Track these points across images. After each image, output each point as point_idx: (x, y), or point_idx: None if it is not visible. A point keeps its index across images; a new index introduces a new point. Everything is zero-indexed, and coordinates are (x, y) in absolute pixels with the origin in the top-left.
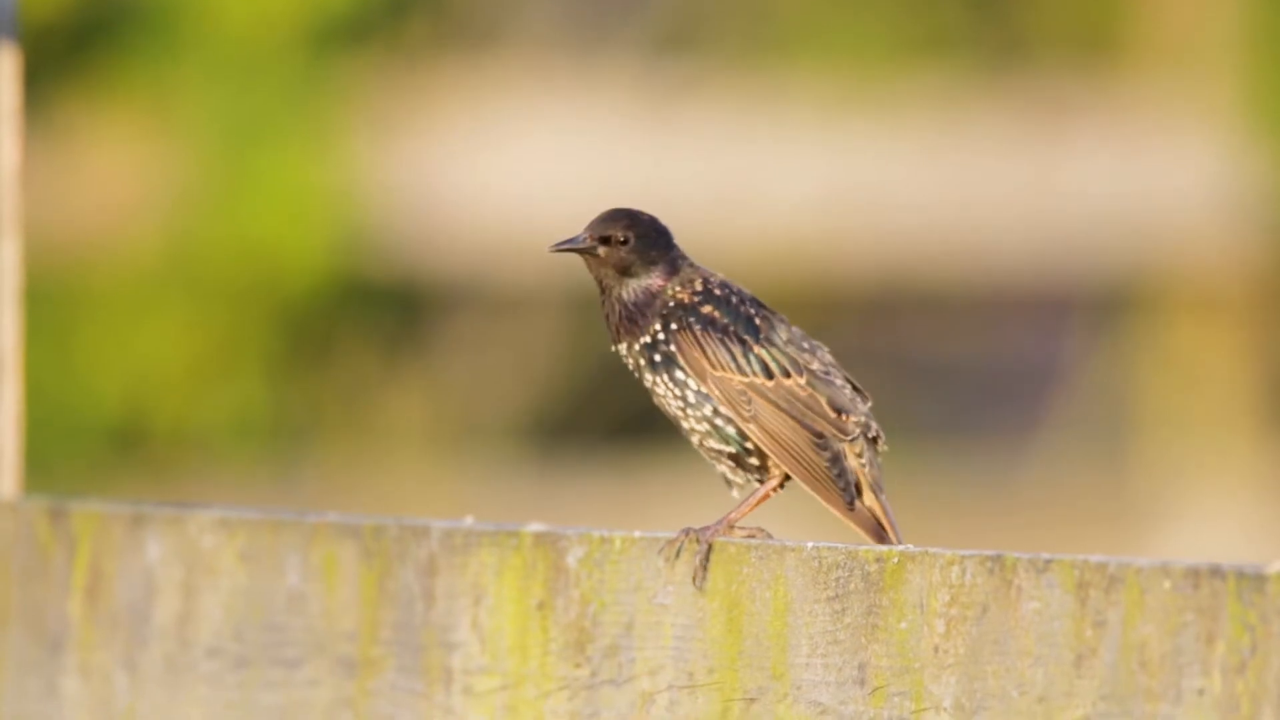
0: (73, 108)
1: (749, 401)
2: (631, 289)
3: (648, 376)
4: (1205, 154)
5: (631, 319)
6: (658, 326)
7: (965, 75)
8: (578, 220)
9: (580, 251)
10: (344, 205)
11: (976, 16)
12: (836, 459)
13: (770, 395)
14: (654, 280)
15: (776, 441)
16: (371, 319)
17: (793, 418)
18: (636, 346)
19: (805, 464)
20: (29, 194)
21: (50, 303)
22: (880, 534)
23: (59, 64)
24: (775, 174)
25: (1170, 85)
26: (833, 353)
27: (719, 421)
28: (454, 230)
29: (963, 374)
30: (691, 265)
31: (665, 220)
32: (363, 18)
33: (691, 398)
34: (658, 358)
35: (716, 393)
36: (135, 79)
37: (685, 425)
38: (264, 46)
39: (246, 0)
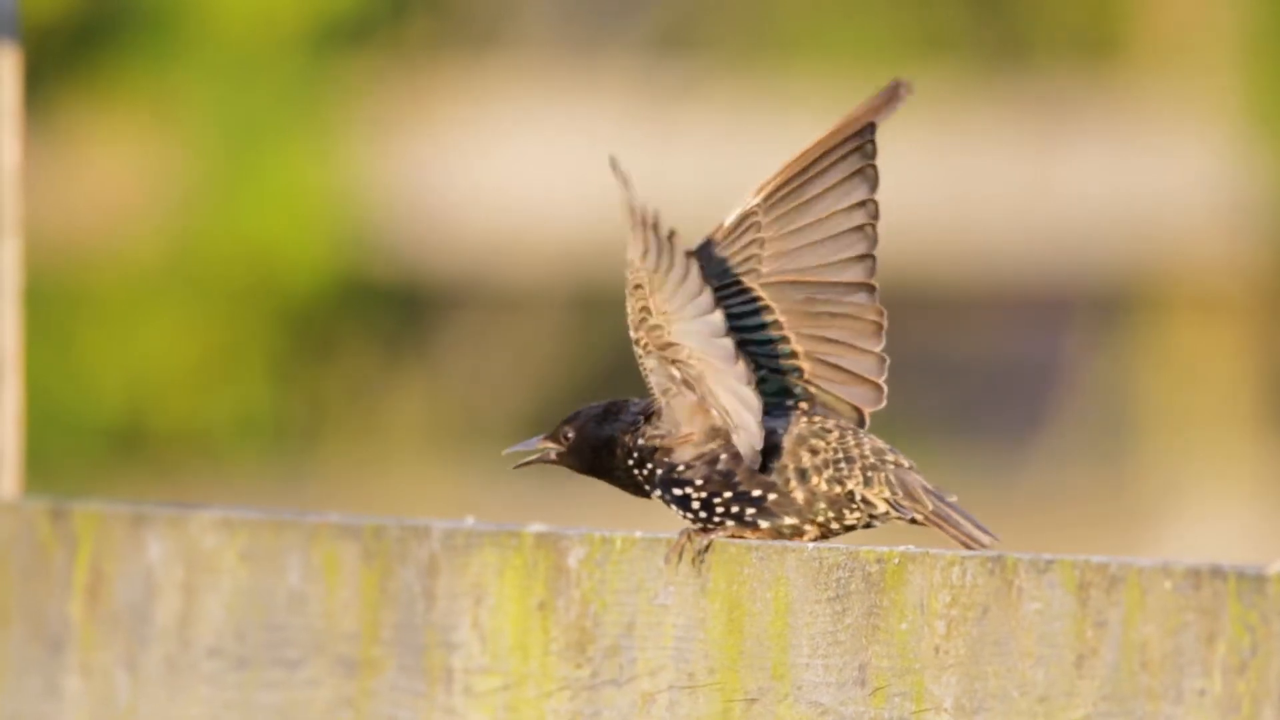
0: (74, 108)
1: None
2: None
3: (673, 507)
4: (1205, 154)
5: (641, 486)
6: (637, 467)
7: (965, 75)
8: (578, 220)
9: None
10: (345, 205)
11: (976, 16)
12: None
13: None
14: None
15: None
16: (373, 319)
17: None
18: (657, 493)
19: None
20: (30, 194)
21: (52, 302)
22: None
23: (60, 64)
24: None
25: (1170, 85)
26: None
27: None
28: (455, 230)
29: (962, 374)
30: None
31: (665, 220)
32: (363, 18)
33: (696, 504)
34: (665, 488)
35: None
36: (137, 79)
37: (728, 526)
38: (265, 47)
39: (247, 1)
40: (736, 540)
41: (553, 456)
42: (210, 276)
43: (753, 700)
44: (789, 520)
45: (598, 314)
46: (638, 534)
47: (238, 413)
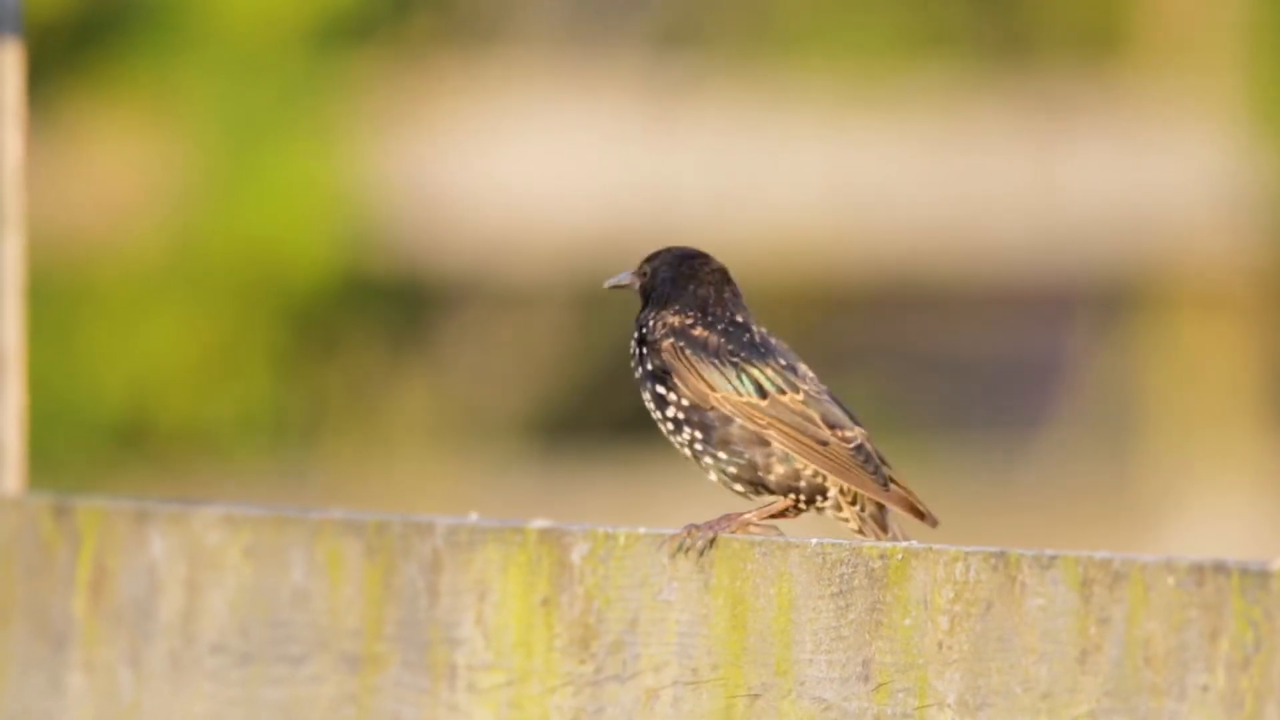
0: (76, 104)
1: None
2: (640, 318)
3: (644, 394)
4: (1209, 151)
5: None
6: (634, 340)
7: (969, 72)
8: (580, 216)
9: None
10: (348, 201)
11: (980, 13)
12: (860, 448)
13: (769, 413)
14: (652, 312)
15: (794, 440)
16: (376, 315)
17: (794, 428)
18: (633, 365)
19: (826, 454)
20: (32, 190)
21: (54, 298)
22: (917, 512)
23: (62, 60)
24: (779, 170)
25: (1174, 82)
26: (834, 355)
27: (717, 454)
28: (458, 226)
29: (967, 370)
30: (718, 306)
31: (669, 216)
32: (366, 14)
33: (671, 413)
34: (638, 372)
35: (727, 408)
36: (139, 75)
37: (684, 452)
38: (267, 43)
39: None
40: (740, 536)
41: (636, 287)
42: (213, 272)
43: (756, 696)
44: (738, 487)
45: (600, 310)
46: (641, 530)
47: (240, 409)
